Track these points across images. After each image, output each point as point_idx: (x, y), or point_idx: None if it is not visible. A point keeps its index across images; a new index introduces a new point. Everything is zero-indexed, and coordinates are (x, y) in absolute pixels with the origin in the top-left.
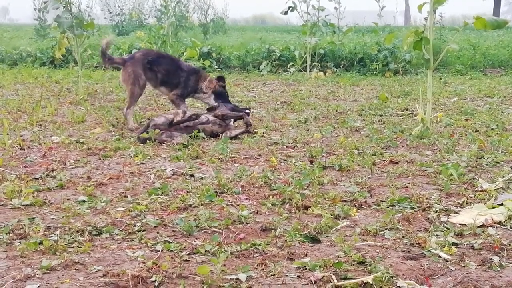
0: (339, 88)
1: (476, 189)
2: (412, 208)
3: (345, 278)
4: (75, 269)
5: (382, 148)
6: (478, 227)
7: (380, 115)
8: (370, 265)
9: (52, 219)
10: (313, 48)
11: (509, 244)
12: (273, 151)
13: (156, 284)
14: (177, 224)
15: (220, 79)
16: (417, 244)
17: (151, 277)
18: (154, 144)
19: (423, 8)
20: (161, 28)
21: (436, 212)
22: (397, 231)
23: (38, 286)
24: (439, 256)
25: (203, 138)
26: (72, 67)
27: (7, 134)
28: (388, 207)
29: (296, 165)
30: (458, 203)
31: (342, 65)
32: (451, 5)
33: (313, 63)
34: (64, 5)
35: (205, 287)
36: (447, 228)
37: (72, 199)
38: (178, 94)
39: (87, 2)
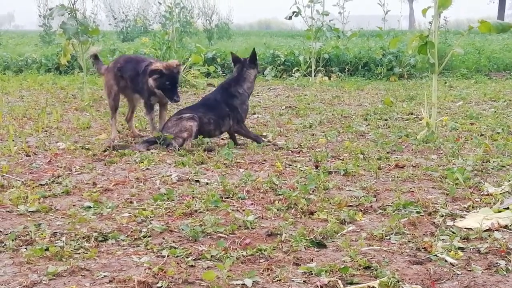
0: (344, 92)
1: (482, 193)
2: (418, 212)
3: (351, 283)
4: (81, 275)
5: (388, 152)
6: (484, 231)
7: (385, 120)
8: (376, 270)
9: (58, 225)
10: (317, 53)
11: None
12: (278, 156)
13: None
14: (182, 229)
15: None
16: (423, 248)
17: (157, 282)
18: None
19: (428, 12)
20: (166, 34)
21: (442, 216)
22: (403, 235)
23: None
24: (445, 261)
25: (208, 143)
26: (77, 73)
27: (13, 140)
28: (393, 212)
29: (301, 170)
30: (464, 207)
31: (346, 69)
32: (455, 9)
33: (318, 68)
34: (69, 12)
35: None
36: (453, 232)
37: (78, 205)
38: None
39: (92, 9)
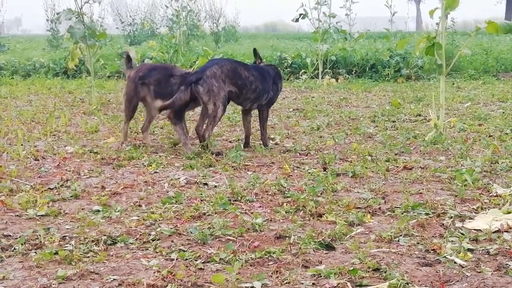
0: (351, 94)
1: (491, 194)
2: (426, 214)
3: (360, 285)
4: (91, 278)
5: (396, 154)
6: (493, 232)
7: (393, 121)
8: (385, 272)
9: (67, 229)
10: (324, 55)
11: None
12: (286, 159)
13: None
14: (191, 232)
15: None
16: (432, 250)
17: (166, 286)
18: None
19: (435, 14)
20: (173, 37)
21: (451, 218)
22: (412, 237)
23: None
24: (455, 262)
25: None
26: (85, 77)
27: (21, 144)
28: (402, 213)
29: (309, 172)
30: (473, 208)
31: (354, 71)
32: (462, 10)
33: (325, 70)
34: (76, 16)
35: None
36: (462, 234)
37: (86, 208)
38: None
39: (99, 13)
